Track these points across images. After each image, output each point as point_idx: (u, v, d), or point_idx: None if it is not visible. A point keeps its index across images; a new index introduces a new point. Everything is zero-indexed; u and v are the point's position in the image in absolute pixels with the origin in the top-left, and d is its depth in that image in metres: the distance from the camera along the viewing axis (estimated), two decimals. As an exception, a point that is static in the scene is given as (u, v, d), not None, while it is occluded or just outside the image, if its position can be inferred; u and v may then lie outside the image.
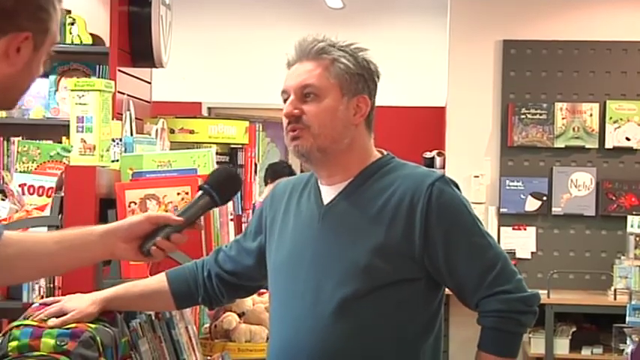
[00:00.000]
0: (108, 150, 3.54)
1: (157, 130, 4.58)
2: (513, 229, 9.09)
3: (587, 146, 9.04)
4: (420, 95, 10.80)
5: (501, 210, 9.10)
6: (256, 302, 4.71)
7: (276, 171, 8.10)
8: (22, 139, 5.60)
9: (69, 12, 6.78)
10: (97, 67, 6.70)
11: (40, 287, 6.00)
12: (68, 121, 3.51)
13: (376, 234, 3.01)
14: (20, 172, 3.82)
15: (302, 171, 3.16)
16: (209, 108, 11.04)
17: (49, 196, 3.60)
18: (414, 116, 10.70)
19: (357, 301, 3.00)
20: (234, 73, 10.96)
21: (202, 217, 3.00)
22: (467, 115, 9.22)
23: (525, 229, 9.11)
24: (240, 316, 4.64)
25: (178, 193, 3.44)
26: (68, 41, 6.76)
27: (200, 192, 2.96)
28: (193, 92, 10.81)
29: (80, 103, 3.44)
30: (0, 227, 2.86)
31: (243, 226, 4.72)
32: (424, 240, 2.99)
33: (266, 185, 7.83)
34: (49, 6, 2.37)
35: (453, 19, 9.32)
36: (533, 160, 9.11)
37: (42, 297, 3.66)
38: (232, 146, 5.06)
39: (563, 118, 9.04)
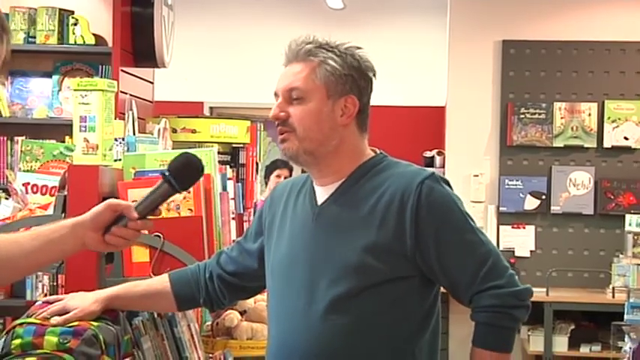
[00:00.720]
0: (111, 149, 3.54)
1: (159, 130, 4.58)
2: (512, 227, 9.09)
3: (586, 145, 9.05)
4: (420, 95, 10.81)
5: (501, 209, 9.11)
6: (258, 300, 4.71)
7: (272, 165, 8.13)
8: (26, 138, 5.61)
9: (72, 12, 6.79)
10: (100, 67, 6.70)
11: (43, 285, 6.00)
12: (71, 120, 3.50)
13: (368, 233, 3.01)
14: (24, 171, 3.81)
15: (303, 171, 3.15)
16: (211, 108, 11.05)
17: (53, 195, 3.60)
18: (414, 116, 10.71)
19: (351, 299, 3.00)
20: (236, 73, 10.97)
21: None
22: (466, 115, 9.23)
23: (524, 228, 9.11)
24: (241, 314, 4.65)
25: (180, 192, 3.44)
26: (71, 41, 6.76)
27: (160, 180, 2.93)
28: (195, 92, 10.82)
29: (83, 103, 3.44)
30: None
31: (245, 224, 4.72)
32: (415, 238, 2.99)
33: (266, 184, 7.84)
34: None
35: (452, 19, 9.33)
36: (532, 159, 9.12)
37: (45, 295, 3.66)
38: (234, 145, 5.06)
39: (561, 118, 9.05)
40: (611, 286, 8.34)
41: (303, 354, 3.03)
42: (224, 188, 4.08)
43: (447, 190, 3.06)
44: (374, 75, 3.14)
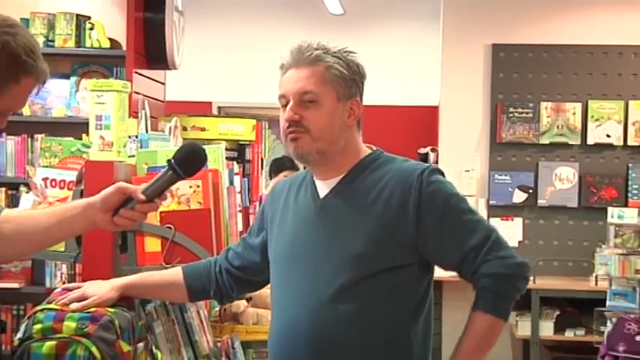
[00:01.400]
0: (125, 146, 3.54)
1: (170, 128, 4.57)
2: (501, 219, 9.10)
3: (571, 143, 9.07)
4: (415, 95, 10.80)
5: (490, 202, 9.12)
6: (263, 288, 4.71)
7: (280, 166, 8.10)
8: (45, 136, 5.60)
9: (88, 18, 6.80)
10: (115, 69, 6.70)
11: (62, 273, 6.02)
12: (88, 119, 3.50)
13: (370, 224, 3.01)
14: (43, 166, 3.81)
15: (305, 167, 3.18)
16: (219, 107, 11.04)
17: (70, 189, 3.59)
18: (409, 115, 10.70)
19: (353, 287, 3.00)
20: (242, 75, 10.97)
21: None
22: (458, 114, 9.25)
23: (513, 220, 9.13)
24: (247, 300, 4.65)
25: (190, 186, 3.44)
26: (88, 45, 6.77)
27: (166, 167, 2.96)
28: (204, 92, 10.82)
29: (99, 103, 3.44)
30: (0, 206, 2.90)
31: (251, 217, 4.72)
32: (418, 227, 2.99)
33: (270, 179, 7.83)
34: None
35: (445, 25, 9.33)
36: (520, 155, 9.13)
37: (64, 283, 3.66)
38: (240, 143, 5.06)
39: (548, 117, 9.06)
40: (594, 275, 8.35)
41: (306, 339, 3.03)
42: (231, 183, 4.08)
43: (443, 179, 3.09)
44: (365, 78, 3.17)
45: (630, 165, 9.03)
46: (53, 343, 2.84)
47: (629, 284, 7.25)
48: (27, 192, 3.97)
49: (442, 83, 9.37)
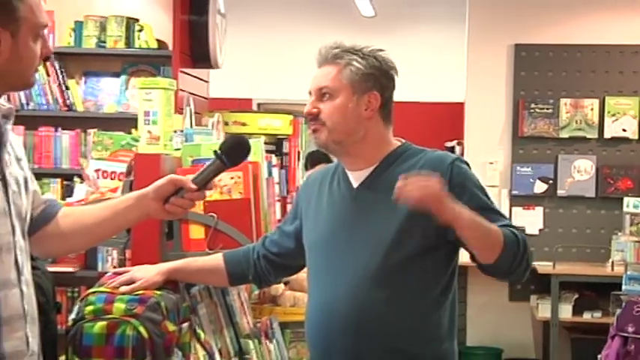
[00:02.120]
0: (171, 140, 3.54)
1: (213, 123, 4.58)
2: (523, 209, 9.08)
3: (588, 137, 9.03)
4: (442, 93, 10.78)
5: (513, 192, 9.09)
6: (300, 272, 4.71)
7: (315, 159, 8.10)
8: (97, 130, 5.62)
9: (137, 20, 6.81)
10: (162, 68, 6.72)
11: (112, 259, 6.03)
12: (137, 115, 3.51)
13: (403, 211, 2.99)
14: (95, 159, 3.82)
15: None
16: (258, 104, 11.05)
17: (120, 180, 3.61)
18: (437, 111, 10.68)
19: (387, 271, 3.01)
20: (280, 73, 10.98)
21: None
22: (483, 110, 9.22)
23: (534, 209, 9.10)
24: (285, 284, 4.65)
25: (232, 177, 3.44)
26: (137, 46, 6.79)
27: (212, 158, 2.98)
28: (245, 90, 10.83)
29: (147, 100, 3.45)
30: (58, 203, 2.90)
31: (288, 206, 4.72)
32: None
33: (306, 171, 7.83)
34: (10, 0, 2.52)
35: (470, 27, 9.31)
36: (540, 148, 9.10)
37: (114, 267, 3.67)
38: (278, 137, 5.06)
39: (567, 112, 9.02)
40: (610, 261, 8.31)
41: (343, 320, 3.04)
42: (270, 174, 4.08)
43: (470, 171, 3.11)
44: (395, 73, 3.16)
45: (645, 157, 9.00)
46: (104, 323, 2.85)
47: (643, 269, 7.22)
48: (80, 183, 3.99)
49: (467, 81, 9.35)
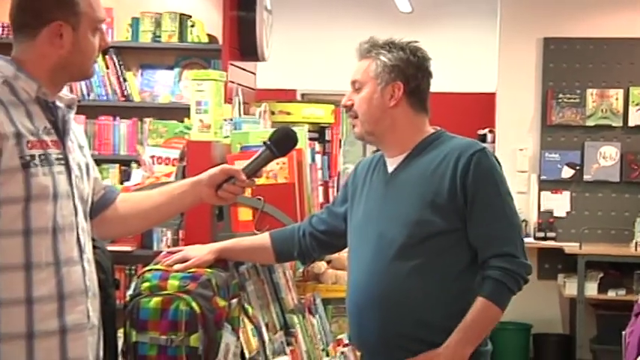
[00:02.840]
0: (221, 128, 3.55)
1: (260, 112, 4.58)
2: (551, 193, 9.05)
3: (613, 125, 8.97)
4: (475, 84, 10.74)
5: (542, 177, 9.05)
6: (341, 252, 4.71)
7: None
8: (153, 119, 5.64)
9: (190, 16, 6.84)
10: (212, 61, 6.73)
11: (167, 239, 6.06)
12: (189, 104, 3.52)
13: (428, 193, 3.03)
14: (151, 146, 3.84)
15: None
16: (302, 94, 11.05)
17: (174, 165, 3.62)
18: (470, 100, 10.64)
19: (412, 247, 3.01)
20: (323, 65, 10.97)
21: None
22: (513, 100, 9.19)
23: (561, 193, 9.06)
24: (327, 262, 4.65)
25: (277, 163, 3.44)
26: (189, 40, 6.81)
27: (263, 147, 3.02)
28: (289, 81, 10.84)
29: (199, 90, 3.46)
30: (116, 189, 2.93)
31: (330, 189, 4.72)
32: (464, 197, 3.00)
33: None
34: None
35: (502, 21, 9.28)
36: (568, 136, 9.05)
37: (169, 247, 3.69)
38: (321, 125, 5.05)
39: (593, 102, 8.97)
40: (634, 241, 8.28)
41: (374, 292, 3.05)
42: (313, 160, 4.08)
43: (494, 164, 3.07)
44: (425, 61, 3.15)
45: (667, 144, 8.94)
46: (159, 298, 2.86)
47: (665, 250, 7.18)
48: (137, 168, 4.01)
49: (499, 73, 9.32)
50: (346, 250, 3.37)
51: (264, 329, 3.42)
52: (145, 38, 6.85)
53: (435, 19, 10.88)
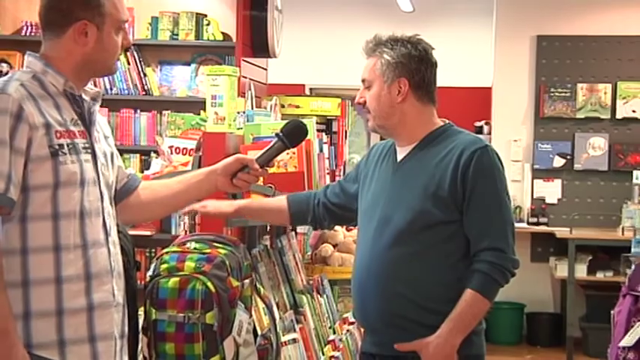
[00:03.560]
0: (234, 120, 3.55)
1: (271, 105, 4.58)
2: (543, 181, 9.05)
3: (602, 117, 8.98)
4: (472, 78, 10.71)
5: (535, 166, 9.05)
6: (347, 236, 4.73)
7: None
8: (171, 112, 5.65)
9: (205, 16, 6.84)
10: (226, 57, 6.73)
11: (184, 223, 6.05)
12: (205, 98, 3.52)
13: (431, 184, 3.01)
14: (169, 137, 3.83)
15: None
16: (310, 88, 11.03)
17: (191, 155, 3.62)
18: (468, 94, 10.60)
19: (411, 234, 3.00)
20: (330, 62, 10.95)
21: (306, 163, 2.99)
22: (508, 94, 9.20)
23: (553, 181, 9.06)
24: (334, 246, 4.66)
25: (287, 153, 3.44)
26: (205, 38, 6.81)
27: (275, 139, 3.02)
28: (298, 76, 10.82)
29: (214, 85, 3.45)
30: (138, 178, 2.93)
31: (336, 177, 4.72)
32: (463, 191, 2.98)
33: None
34: None
35: (498, 20, 9.28)
36: (559, 128, 9.06)
37: (186, 231, 3.69)
38: (328, 117, 5.04)
39: (583, 96, 8.98)
40: (621, 226, 8.26)
41: (373, 275, 3.05)
42: (320, 150, 4.08)
43: (495, 161, 3.05)
44: (428, 53, 3.12)
45: (652, 135, 8.93)
46: (177, 279, 2.87)
47: (650, 234, 7.17)
48: (156, 157, 4.01)
49: (495, 68, 9.32)
50: (351, 234, 3.38)
51: (275, 308, 3.43)
52: (164, 36, 6.86)
53: (434, 18, 10.85)
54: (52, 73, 2.59)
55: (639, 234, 7.21)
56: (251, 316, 3.04)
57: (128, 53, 6.78)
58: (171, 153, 3.75)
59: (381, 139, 3.32)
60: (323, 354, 3.94)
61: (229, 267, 2.92)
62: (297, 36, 9.98)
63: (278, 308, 3.55)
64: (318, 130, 4.19)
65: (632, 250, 7.12)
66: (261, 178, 3.23)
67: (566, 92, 9.02)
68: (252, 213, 3.32)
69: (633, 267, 4.69)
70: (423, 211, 3.00)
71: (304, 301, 3.90)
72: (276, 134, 3.02)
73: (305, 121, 3.17)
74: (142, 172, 4.99)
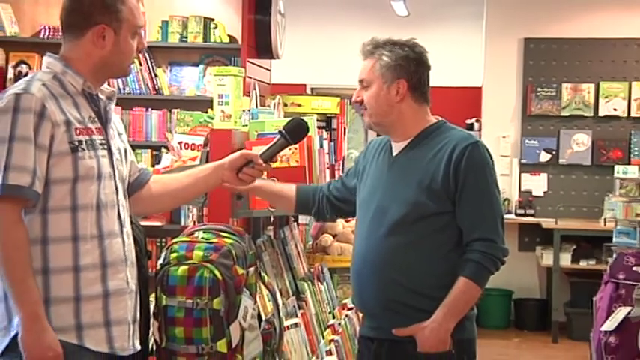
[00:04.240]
0: (240, 118, 3.55)
1: (274, 104, 4.58)
2: (530, 175, 9.06)
3: (585, 115, 8.98)
4: (464, 79, 10.70)
5: (522, 161, 9.06)
6: (345, 227, 4.73)
7: None
8: (180, 110, 5.65)
9: (212, 20, 6.83)
10: (232, 58, 6.73)
11: (192, 215, 6.05)
12: (212, 97, 3.52)
13: (425, 178, 3.02)
14: (179, 133, 3.83)
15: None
16: (311, 88, 11.02)
17: (199, 151, 3.62)
18: (459, 93, 10.60)
19: (406, 225, 3.00)
20: (329, 63, 10.94)
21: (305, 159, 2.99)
22: (497, 93, 9.20)
23: (539, 175, 9.06)
24: (334, 236, 4.67)
25: (290, 149, 3.44)
26: (212, 40, 6.81)
27: (278, 135, 3.02)
28: (300, 76, 10.81)
29: (220, 84, 3.45)
30: (149, 172, 2.94)
31: (336, 172, 4.73)
32: (455, 184, 2.98)
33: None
34: (114, 3, 2.60)
35: (488, 24, 9.29)
36: (545, 125, 9.05)
37: (194, 222, 3.69)
38: (328, 115, 5.05)
39: (567, 95, 8.98)
40: (603, 218, 8.27)
41: (371, 263, 3.06)
42: (321, 146, 4.08)
43: (485, 156, 3.05)
44: (423, 56, 3.13)
45: (632, 132, 8.92)
46: (186, 267, 2.87)
47: (630, 225, 7.17)
48: (166, 153, 4.01)
49: (485, 69, 9.32)
50: (350, 225, 3.38)
51: (278, 294, 3.44)
52: (174, 39, 6.86)
53: (428, 22, 10.83)
54: (72, 73, 2.60)
55: (620, 225, 7.23)
56: (256, 301, 3.04)
57: (140, 55, 6.78)
58: (181, 148, 3.75)
59: (378, 135, 3.32)
60: (323, 337, 3.95)
61: (235, 256, 2.92)
62: (298, 39, 9.98)
63: (281, 294, 3.55)
64: (318, 127, 4.19)
65: (614, 239, 7.15)
66: (265, 173, 3.24)
67: (551, 92, 9.02)
68: (263, 194, 3.31)
69: (614, 256, 4.70)
70: (418, 203, 3.00)
71: (305, 287, 3.91)
72: (279, 131, 3.03)
73: (306, 118, 3.17)
74: (153, 166, 5.00)
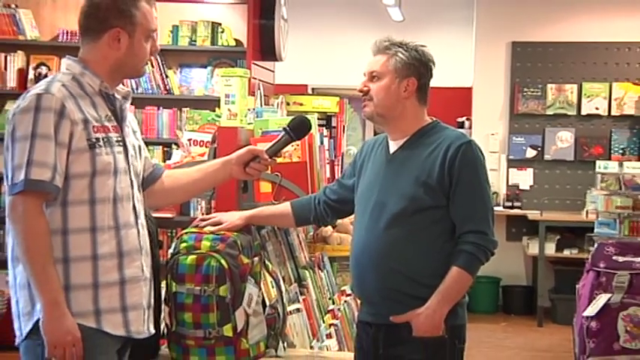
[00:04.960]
0: (246, 116, 3.55)
1: (277, 103, 4.59)
2: (517, 170, 9.07)
3: (569, 114, 8.99)
4: (455, 79, 10.68)
5: (509, 157, 9.07)
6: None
7: None
8: (190, 109, 5.65)
9: (220, 24, 6.83)
10: (239, 60, 6.72)
11: (201, 207, 6.07)
12: (219, 97, 3.53)
13: (421, 174, 3.01)
14: (188, 131, 3.85)
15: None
16: (312, 88, 11.01)
17: (207, 147, 3.63)
18: (451, 93, 10.57)
19: (403, 218, 3.00)
20: (330, 65, 10.93)
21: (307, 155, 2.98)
22: (486, 93, 9.21)
23: (526, 170, 9.07)
24: (333, 227, 4.66)
25: (292, 145, 3.44)
26: (220, 44, 6.80)
27: (282, 132, 3.03)
28: (302, 77, 10.80)
29: (227, 85, 3.46)
30: (161, 167, 2.95)
31: (335, 167, 4.73)
32: (450, 180, 2.98)
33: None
34: (129, 8, 2.60)
35: (478, 28, 9.29)
36: (531, 123, 9.06)
37: (203, 214, 3.69)
38: (328, 114, 5.05)
39: (552, 95, 8.99)
40: (585, 210, 8.26)
41: (370, 253, 3.05)
42: (321, 143, 4.09)
43: (478, 155, 3.04)
44: (433, 64, 3.16)
45: (613, 130, 8.93)
46: (194, 256, 2.88)
47: (611, 216, 7.21)
48: (177, 149, 4.01)
49: (475, 71, 9.33)
50: (349, 217, 3.37)
51: (281, 282, 3.44)
52: (183, 42, 6.85)
53: (422, 26, 10.81)
54: (89, 74, 2.61)
55: (601, 216, 7.25)
56: (260, 289, 3.04)
57: (152, 57, 6.78)
58: (190, 145, 3.76)
59: (375, 133, 3.32)
60: (324, 322, 3.95)
61: (240, 246, 2.92)
62: (300, 42, 9.96)
63: (284, 282, 3.55)
64: (319, 125, 4.19)
65: (595, 230, 7.19)
66: (270, 167, 3.24)
67: (537, 92, 9.02)
68: (261, 220, 3.28)
69: (596, 245, 4.69)
70: (415, 197, 2.99)
71: (307, 275, 3.91)
72: (284, 128, 3.03)
73: (308, 116, 3.18)
74: (164, 162, 5.00)
